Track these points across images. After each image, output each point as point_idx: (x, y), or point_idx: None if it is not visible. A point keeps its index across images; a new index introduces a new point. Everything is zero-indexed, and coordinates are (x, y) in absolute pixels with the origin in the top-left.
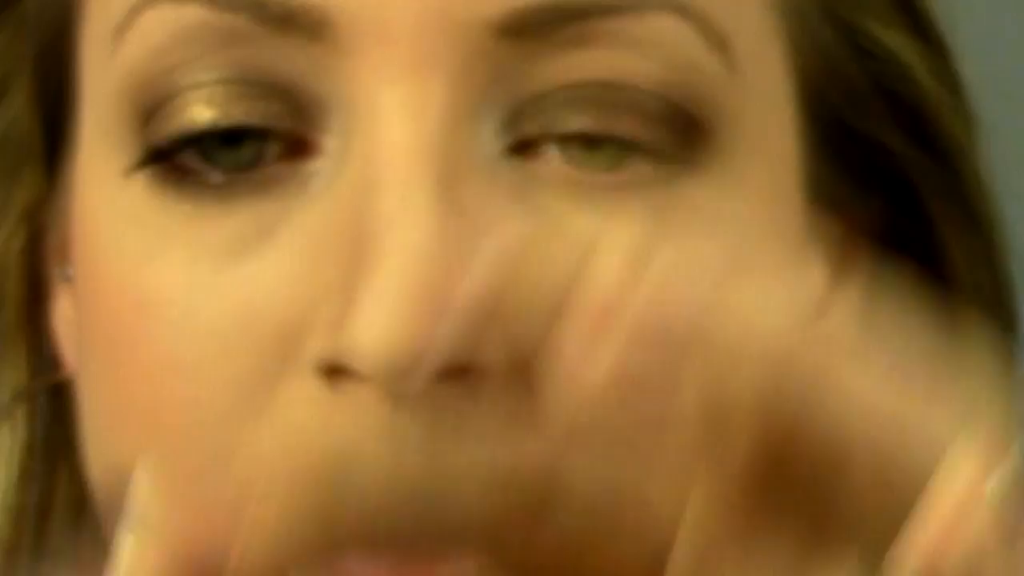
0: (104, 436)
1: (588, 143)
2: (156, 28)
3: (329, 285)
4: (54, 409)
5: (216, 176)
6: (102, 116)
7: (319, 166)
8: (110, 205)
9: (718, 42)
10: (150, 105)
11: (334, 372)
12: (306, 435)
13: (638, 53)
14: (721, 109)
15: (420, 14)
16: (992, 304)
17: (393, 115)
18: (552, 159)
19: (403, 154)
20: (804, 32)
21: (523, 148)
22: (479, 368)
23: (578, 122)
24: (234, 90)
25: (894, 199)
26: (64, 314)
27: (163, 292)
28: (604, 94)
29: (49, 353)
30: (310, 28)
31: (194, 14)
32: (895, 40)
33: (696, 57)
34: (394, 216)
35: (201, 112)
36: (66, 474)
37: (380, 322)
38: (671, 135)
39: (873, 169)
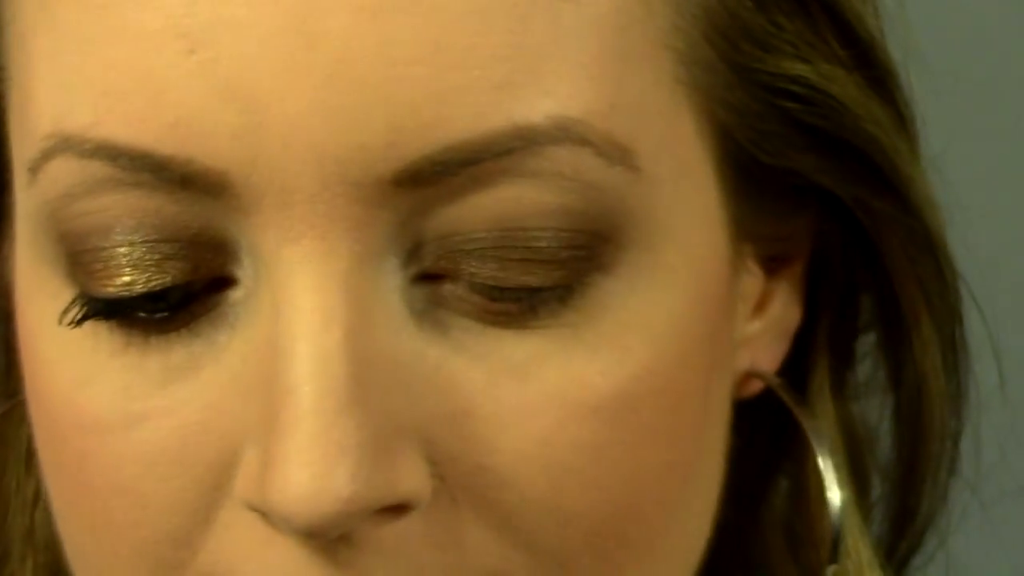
0: (63, 525)
1: (494, 287)
2: (65, 175)
3: (248, 426)
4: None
5: (145, 312)
6: (26, 227)
7: (237, 296)
8: (43, 322)
9: (620, 155)
10: (72, 245)
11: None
12: (247, 557)
13: (535, 185)
14: (626, 213)
15: (315, 177)
16: (940, 293)
17: (298, 270)
18: (459, 290)
19: (307, 315)
20: (713, 94)
21: (429, 276)
22: (406, 502)
23: (482, 273)
24: (155, 251)
25: (826, 205)
26: None
27: (99, 417)
28: (503, 243)
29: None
30: (209, 189)
31: (99, 169)
32: (812, 71)
33: (596, 177)
34: (303, 382)
35: (132, 278)
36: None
37: (293, 487)
38: (573, 267)
39: (800, 188)
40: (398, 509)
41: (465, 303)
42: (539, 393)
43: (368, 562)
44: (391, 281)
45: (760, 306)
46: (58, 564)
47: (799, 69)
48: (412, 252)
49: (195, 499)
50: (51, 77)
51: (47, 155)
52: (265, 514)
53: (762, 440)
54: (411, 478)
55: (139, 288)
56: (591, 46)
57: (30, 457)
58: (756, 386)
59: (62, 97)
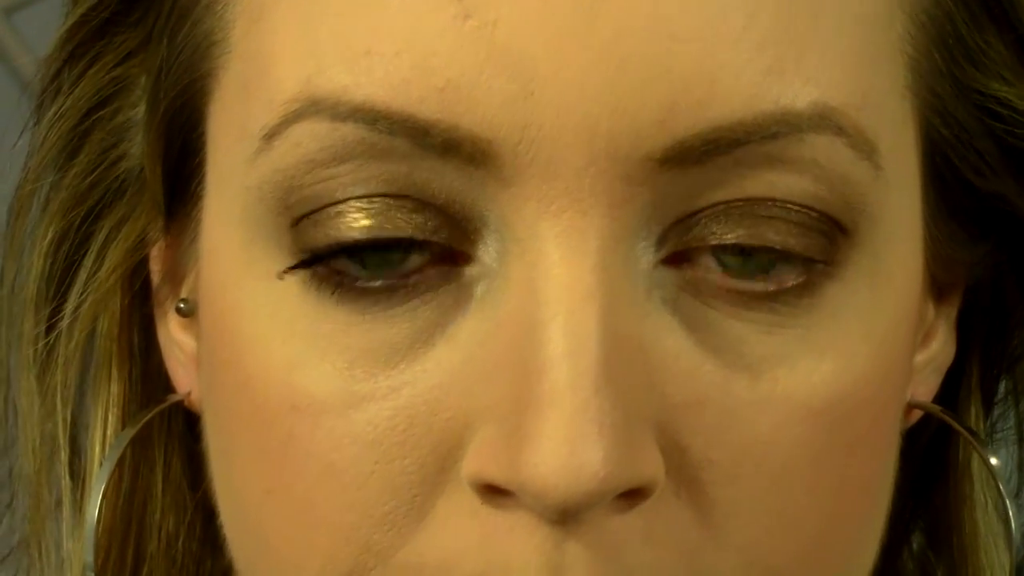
0: (254, 517)
1: (741, 251)
2: (310, 139)
3: (487, 405)
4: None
5: (371, 281)
6: (241, 204)
7: (473, 274)
8: (254, 301)
9: (867, 150)
10: (302, 210)
11: (492, 490)
12: (466, 549)
13: (792, 171)
14: (866, 211)
15: (585, 150)
16: None
17: (554, 245)
18: (706, 267)
19: (565, 290)
20: (934, 106)
21: (678, 258)
22: (647, 486)
23: (732, 235)
24: (390, 203)
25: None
26: (175, 337)
27: (318, 397)
28: (755, 209)
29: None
30: (472, 156)
31: (352, 132)
32: (1015, 94)
33: (847, 169)
34: (561, 357)
35: (358, 221)
36: (160, 500)
37: (551, 462)
38: (818, 241)
39: (986, 216)
40: (632, 496)
41: (710, 286)
42: (769, 392)
43: (589, 559)
44: (640, 264)
45: (926, 338)
46: None
47: (1005, 91)
48: (662, 236)
49: (416, 482)
50: (299, 41)
51: (290, 119)
52: (510, 491)
53: (900, 487)
54: (652, 463)
55: (375, 232)
56: (846, 41)
57: (167, 470)
58: (913, 418)
59: (311, 60)
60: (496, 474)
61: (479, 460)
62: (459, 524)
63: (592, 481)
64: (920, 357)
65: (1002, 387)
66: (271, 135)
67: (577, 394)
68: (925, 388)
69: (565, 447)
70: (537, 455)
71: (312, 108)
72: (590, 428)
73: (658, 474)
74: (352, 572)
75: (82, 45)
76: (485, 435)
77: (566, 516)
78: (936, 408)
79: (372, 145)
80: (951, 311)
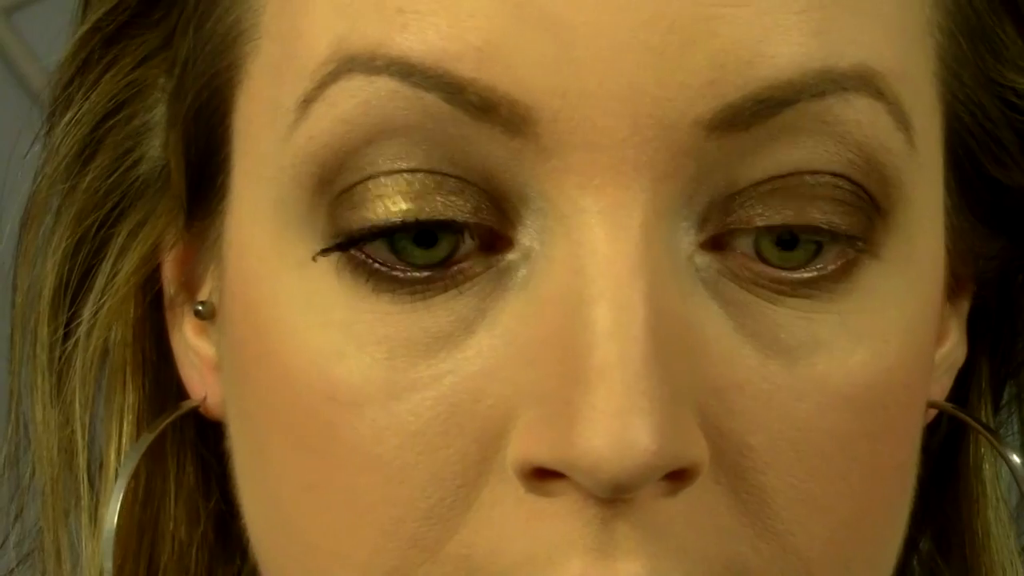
0: (292, 515)
1: (784, 242)
2: (345, 99)
3: (531, 388)
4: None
5: (408, 271)
6: (274, 189)
7: (513, 259)
8: (288, 291)
9: (903, 121)
10: (339, 183)
11: (539, 475)
12: (512, 535)
13: (834, 139)
14: (901, 188)
15: (628, 118)
16: None
17: (598, 223)
18: (744, 255)
19: (611, 266)
20: (958, 93)
21: (716, 243)
22: (694, 466)
23: (779, 216)
24: (429, 182)
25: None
26: (190, 343)
27: (358, 389)
28: (798, 187)
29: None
30: (509, 122)
31: (386, 87)
32: None
33: (885, 138)
34: (610, 333)
35: (396, 204)
36: (176, 507)
37: (603, 437)
38: (859, 219)
39: (1001, 211)
40: (677, 479)
41: (748, 273)
42: (805, 377)
43: (639, 538)
44: (682, 244)
45: (940, 336)
46: None
47: (1023, 82)
48: (702, 217)
49: (460, 472)
50: (330, 6)
51: (326, 81)
52: (558, 473)
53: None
54: (697, 444)
55: (414, 214)
56: (884, 15)
57: (180, 479)
58: (927, 418)
59: (344, 21)
60: (544, 455)
61: (525, 444)
62: (505, 512)
63: (644, 455)
64: (936, 355)
65: (1005, 393)
66: (307, 101)
67: (627, 368)
68: (939, 387)
69: (617, 421)
70: (589, 430)
71: (346, 66)
72: (642, 402)
73: (703, 456)
74: (399, 568)
75: (96, 51)
76: (529, 419)
77: (617, 493)
78: (949, 406)
79: (406, 104)
80: (963, 309)
